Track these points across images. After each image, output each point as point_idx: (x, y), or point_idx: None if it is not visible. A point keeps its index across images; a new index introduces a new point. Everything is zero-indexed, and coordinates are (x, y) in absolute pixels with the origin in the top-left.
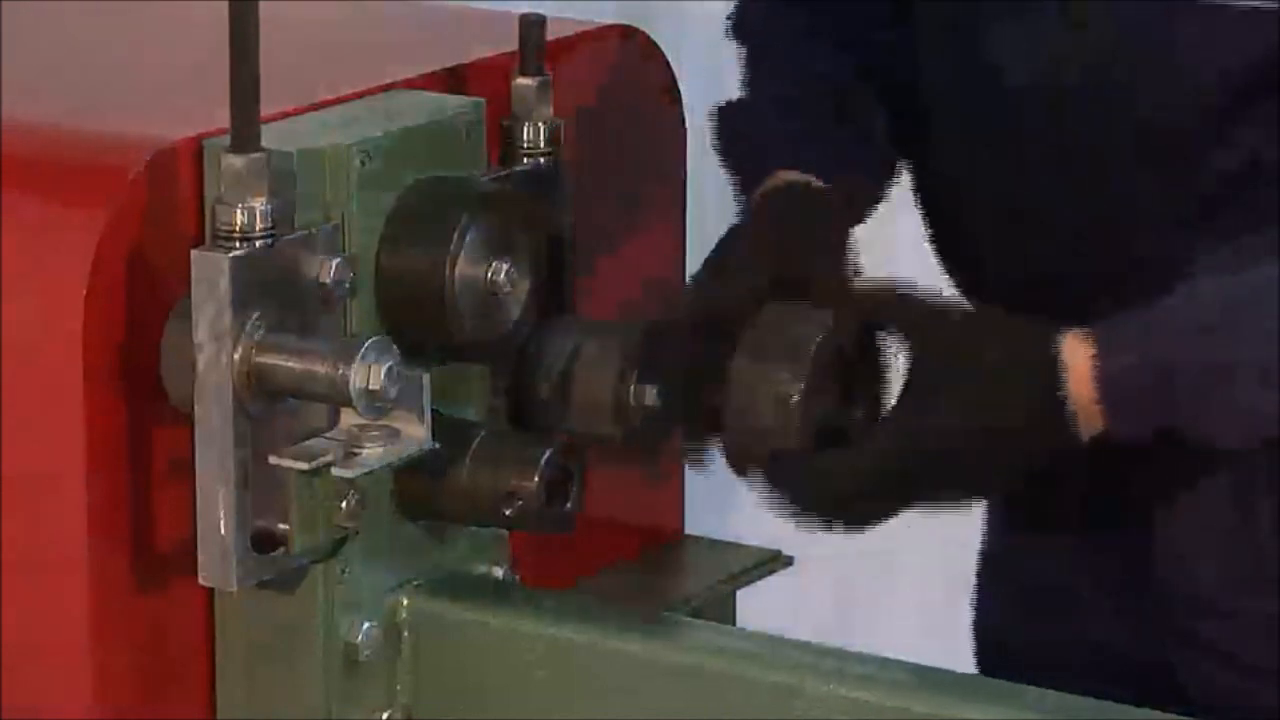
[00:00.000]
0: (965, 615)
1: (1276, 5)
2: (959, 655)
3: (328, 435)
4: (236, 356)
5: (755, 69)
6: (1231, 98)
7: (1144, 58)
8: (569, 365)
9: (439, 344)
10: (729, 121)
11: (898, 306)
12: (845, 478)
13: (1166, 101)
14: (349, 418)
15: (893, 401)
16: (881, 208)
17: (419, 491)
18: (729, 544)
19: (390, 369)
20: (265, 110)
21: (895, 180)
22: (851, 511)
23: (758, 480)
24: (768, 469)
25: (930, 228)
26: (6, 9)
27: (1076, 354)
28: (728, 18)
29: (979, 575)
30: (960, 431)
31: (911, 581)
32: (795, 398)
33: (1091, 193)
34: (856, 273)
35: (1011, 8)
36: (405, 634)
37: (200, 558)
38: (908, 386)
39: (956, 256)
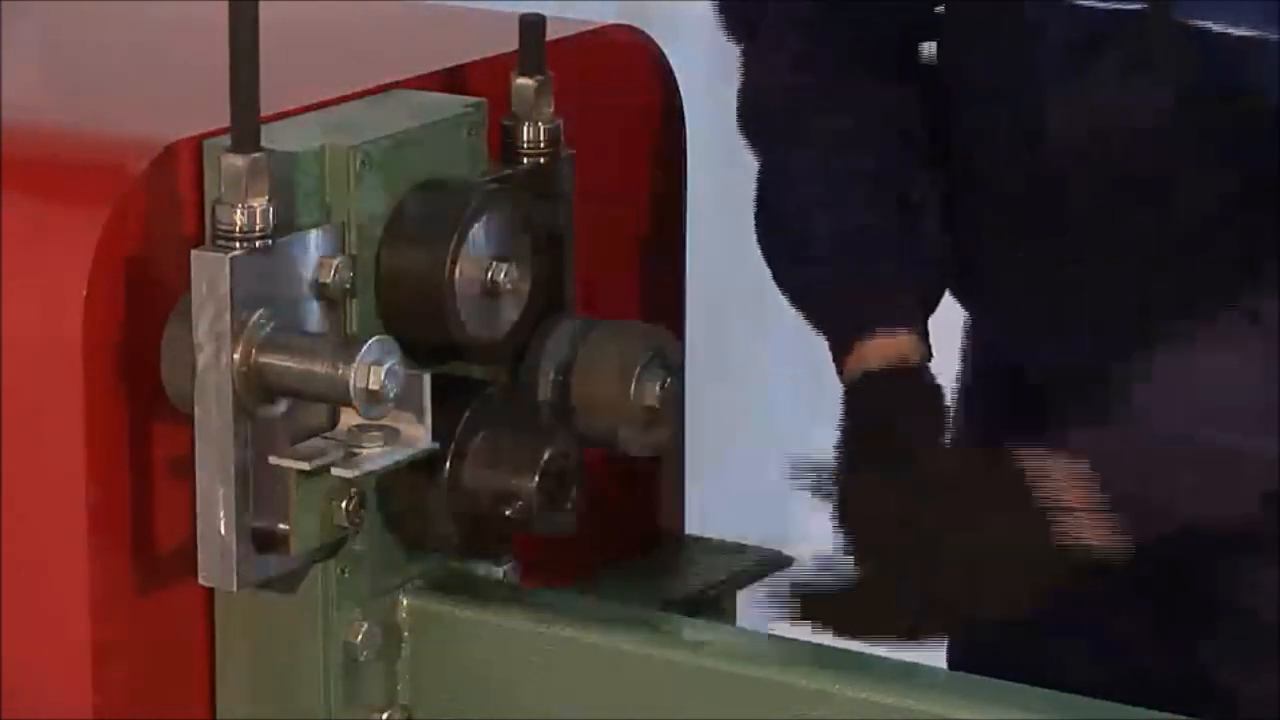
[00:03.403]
0: None
1: None
2: None
3: (328, 435)
4: (236, 356)
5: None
6: None
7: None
8: (569, 365)
9: (439, 344)
10: (796, 251)
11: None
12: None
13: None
14: (349, 418)
15: None
16: None
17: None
18: (729, 544)
19: (390, 369)
20: (265, 110)
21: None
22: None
23: None
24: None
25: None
26: (6, 9)
27: None
28: (738, 114)
29: None
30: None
31: None
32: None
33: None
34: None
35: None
36: (405, 634)
37: (200, 558)
38: None
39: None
